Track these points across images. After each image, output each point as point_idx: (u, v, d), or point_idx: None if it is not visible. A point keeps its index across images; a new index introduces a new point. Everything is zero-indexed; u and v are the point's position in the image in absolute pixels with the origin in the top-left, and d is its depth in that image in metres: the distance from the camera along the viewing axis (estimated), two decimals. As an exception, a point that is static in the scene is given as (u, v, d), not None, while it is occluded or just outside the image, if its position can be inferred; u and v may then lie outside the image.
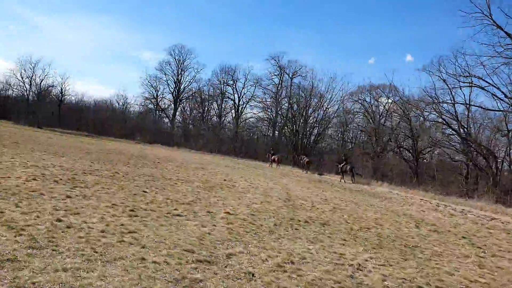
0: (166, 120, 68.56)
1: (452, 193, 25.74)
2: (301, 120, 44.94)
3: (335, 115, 43.70)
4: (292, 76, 57.14)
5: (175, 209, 7.72)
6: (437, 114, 31.70)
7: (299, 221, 8.58)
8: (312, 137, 44.28)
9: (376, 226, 9.27)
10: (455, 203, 19.62)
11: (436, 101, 30.67)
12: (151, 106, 68.04)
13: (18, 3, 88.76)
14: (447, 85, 31.73)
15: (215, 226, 6.71)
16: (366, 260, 5.88)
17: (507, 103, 28.90)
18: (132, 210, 6.91)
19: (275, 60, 57.37)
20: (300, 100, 44.12)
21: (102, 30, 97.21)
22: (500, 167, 27.24)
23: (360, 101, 41.75)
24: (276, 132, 53.41)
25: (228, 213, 8.14)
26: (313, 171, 31.70)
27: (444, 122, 30.97)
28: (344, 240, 7.11)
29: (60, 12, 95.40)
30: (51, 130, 48.20)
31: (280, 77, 58.10)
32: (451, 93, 32.06)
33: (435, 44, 76.46)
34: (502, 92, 28.51)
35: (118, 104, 68.15)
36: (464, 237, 9.30)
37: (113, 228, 5.58)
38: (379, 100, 41.00)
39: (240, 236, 6.25)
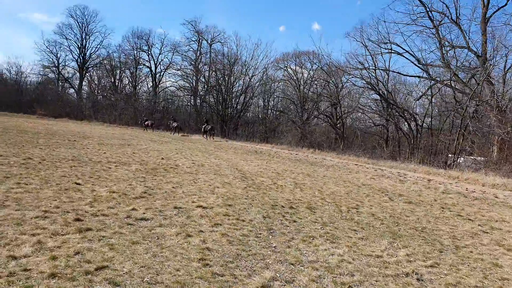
0: (72, 90, 60.69)
1: (378, 157, 27.08)
2: (225, 89, 43.11)
3: (260, 83, 42.76)
4: (211, 42, 54.29)
5: (133, 209, 5.75)
6: (362, 80, 32.67)
7: (283, 207, 7.28)
8: (239, 106, 42.93)
9: (359, 204, 8.45)
10: (390, 166, 20.39)
11: (362, 67, 31.43)
12: (52, 75, 59.25)
13: None
14: (368, 51, 32.74)
15: (203, 232, 5.00)
16: (409, 261, 4.76)
17: (421, 69, 31.01)
18: (78, 220, 4.80)
19: (191, 25, 53.62)
20: (225, 67, 42.01)
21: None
22: (420, 130, 29.39)
23: (285, 69, 41.27)
24: (198, 101, 50.81)
25: (201, 207, 6.44)
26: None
27: (371, 87, 32.08)
28: (354, 230, 6.01)
29: None
30: None
31: (198, 43, 54.79)
32: (373, 59, 33.28)
33: (342, 12, 79.68)
34: (417, 58, 30.35)
35: (10, 73, 57.92)
36: (447, 209, 8.99)
37: (65, 264, 3.51)
38: (303, 67, 41.07)
39: (248, 248, 4.61)
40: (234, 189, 8.78)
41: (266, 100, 45.06)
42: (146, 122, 37.97)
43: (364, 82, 32.82)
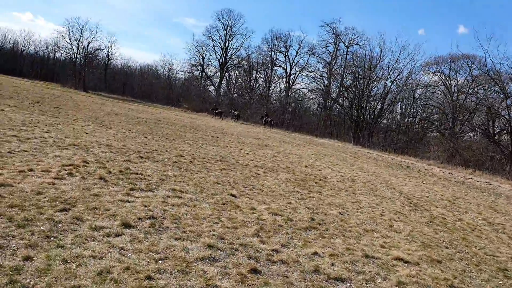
0: (212, 88, 65.49)
1: None
2: (361, 92, 39.80)
3: (403, 88, 38.09)
4: (348, 44, 51.30)
5: (315, 253, 4.13)
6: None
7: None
8: (376, 112, 39.14)
9: None
10: None
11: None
12: (197, 73, 64.99)
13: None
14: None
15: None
16: None
17: None
18: (254, 271, 3.38)
19: (330, 26, 51.47)
20: (364, 70, 38.77)
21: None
22: None
23: (437, 74, 35.70)
24: (328, 103, 48.57)
25: (400, 259, 4.47)
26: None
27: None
28: None
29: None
30: (96, 94, 46.67)
31: (335, 46, 52.43)
32: None
33: (489, 12, 66.27)
34: None
35: (163, 70, 65.76)
36: None
37: None
38: (458, 73, 34.85)
39: None
40: (417, 226, 6.54)
41: (405, 107, 40.16)
42: (218, 111, 41.75)
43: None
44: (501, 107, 30.73)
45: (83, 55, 55.43)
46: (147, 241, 3.69)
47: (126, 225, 3.96)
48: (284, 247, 4.17)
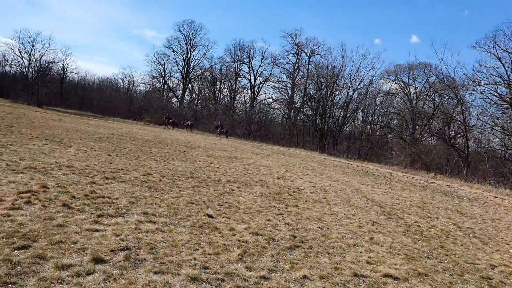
0: (175, 100, 64.35)
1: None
2: (324, 102, 40.72)
3: (365, 96, 39.42)
4: (310, 54, 52.57)
5: (304, 277, 3.93)
6: (495, 96, 27.46)
7: (504, 283, 4.81)
8: (339, 120, 40.11)
9: None
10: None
11: (500, 80, 26.43)
12: (158, 85, 63.67)
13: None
14: (502, 63, 27.52)
15: None
16: None
17: None
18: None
19: (291, 37, 52.68)
20: (327, 79, 39.72)
21: (104, 6, 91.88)
22: None
23: (397, 82, 37.28)
24: (292, 113, 49.25)
25: (389, 276, 4.36)
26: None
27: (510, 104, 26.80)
28: None
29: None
30: (52, 110, 44.29)
31: (297, 56, 53.53)
32: (507, 73, 27.88)
33: (441, 24, 71.15)
34: None
35: (123, 82, 63.85)
36: None
37: None
38: (416, 81, 36.61)
39: None
40: (396, 236, 6.54)
41: (366, 115, 41.53)
42: (171, 120, 43.00)
43: (498, 98, 27.56)
44: (455, 112, 32.56)
45: (36, 68, 52.66)
46: (123, 277, 3.31)
47: (97, 260, 3.55)
48: (272, 272, 3.92)
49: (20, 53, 52.08)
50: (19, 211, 4.66)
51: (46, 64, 54.00)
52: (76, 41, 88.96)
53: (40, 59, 53.15)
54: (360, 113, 41.14)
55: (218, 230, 5.18)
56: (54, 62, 55.44)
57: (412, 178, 21.72)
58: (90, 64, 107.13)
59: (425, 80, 35.39)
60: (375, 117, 41.43)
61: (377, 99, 40.62)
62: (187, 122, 42.54)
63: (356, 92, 39.50)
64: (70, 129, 18.80)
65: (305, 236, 5.58)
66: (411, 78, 35.96)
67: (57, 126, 19.26)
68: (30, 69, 52.79)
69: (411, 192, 14.11)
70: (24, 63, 52.73)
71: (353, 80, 39.70)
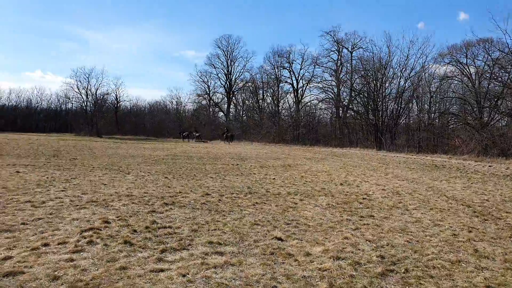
0: (221, 114, 65.34)
1: None
2: (373, 95, 38.62)
3: (419, 84, 36.79)
4: (351, 49, 50.59)
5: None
6: None
7: None
8: (393, 112, 37.78)
9: None
10: None
11: None
12: (204, 102, 65.10)
13: (69, 22, 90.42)
14: None
15: None
16: None
17: None
18: None
19: (330, 35, 51.20)
20: (375, 72, 37.76)
21: (144, 36, 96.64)
22: None
23: (453, 64, 34.34)
24: (341, 111, 47.43)
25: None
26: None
27: None
28: None
29: (103, 26, 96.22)
30: (110, 138, 46.82)
31: (338, 53, 51.80)
32: None
33: None
34: None
35: (172, 104, 66.17)
36: None
37: None
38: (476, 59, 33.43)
39: None
40: (506, 245, 5.42)
41: (422, 103, 38.68)
42: (184, 133, 46.80)
43: None
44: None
45: (93, 101, 56.30)
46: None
47: (165, 313, 3.06)
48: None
49: (78, 89, 56.11)
50: (81, 253, 4.38)
51: (102, 96, 57.62)
52: (124, 71, 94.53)
53: (96, 92, 56.84)
54: (415, 102, 38.50)
55: (292, 257, 4.53)
56: (108, 94, 59.05)
57: (490, 166, 19.47)
58: (140, 91, 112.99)
59: (487, 57, 32.15)
60: (432, 105, 38.53)
61: (432, 85, 37.76)
62: (196, 134, 45.49)
63: (408, 81, 37.04)
64: (127, 155, 19.34)
65: (394, 255, 4.75)
66: (469, 57, 32.86)
67: (115, 153, 19.93)
68: (88, 102, 56.51)
69: (496, 184, 12.44)
70: (83, 98, 56.68)
71: (403, 69, 37.33)
